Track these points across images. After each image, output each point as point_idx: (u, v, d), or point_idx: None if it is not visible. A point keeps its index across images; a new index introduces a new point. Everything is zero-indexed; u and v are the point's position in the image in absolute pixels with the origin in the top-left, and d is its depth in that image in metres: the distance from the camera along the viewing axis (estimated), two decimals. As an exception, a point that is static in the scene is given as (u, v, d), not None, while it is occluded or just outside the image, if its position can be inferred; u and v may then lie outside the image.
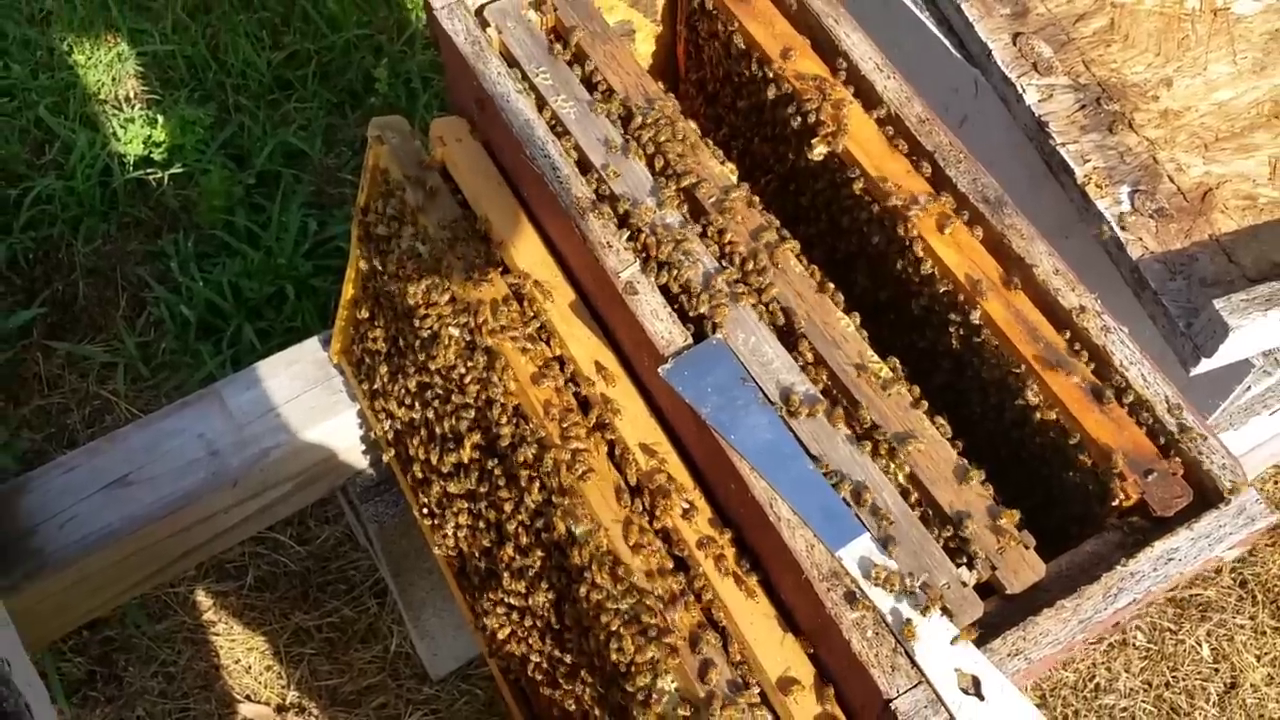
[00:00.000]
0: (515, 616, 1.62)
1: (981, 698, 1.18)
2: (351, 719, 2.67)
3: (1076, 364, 1.38)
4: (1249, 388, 1.76)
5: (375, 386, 1.85)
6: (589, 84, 1.61)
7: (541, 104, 1.57)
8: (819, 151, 1.57)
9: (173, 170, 3.24)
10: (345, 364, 1.98)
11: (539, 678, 1.62)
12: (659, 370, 1.37)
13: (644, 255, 1.46)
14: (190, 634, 2.73)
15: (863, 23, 1.71)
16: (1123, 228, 1.70)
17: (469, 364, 1.53)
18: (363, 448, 2.08)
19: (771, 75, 1.62)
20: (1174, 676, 2.77)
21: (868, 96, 1.59)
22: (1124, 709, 2.73)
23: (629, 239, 1.46)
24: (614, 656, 1.34)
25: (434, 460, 1.70)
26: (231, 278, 3.07)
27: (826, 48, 1.64)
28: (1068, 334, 1.41)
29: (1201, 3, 1.92)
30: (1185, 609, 2.83)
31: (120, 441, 1.95)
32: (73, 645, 2.70)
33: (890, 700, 1.18)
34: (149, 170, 3.25)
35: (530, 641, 1.61)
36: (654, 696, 1.32)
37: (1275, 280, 1.61)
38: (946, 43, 1.95)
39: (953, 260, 1.46)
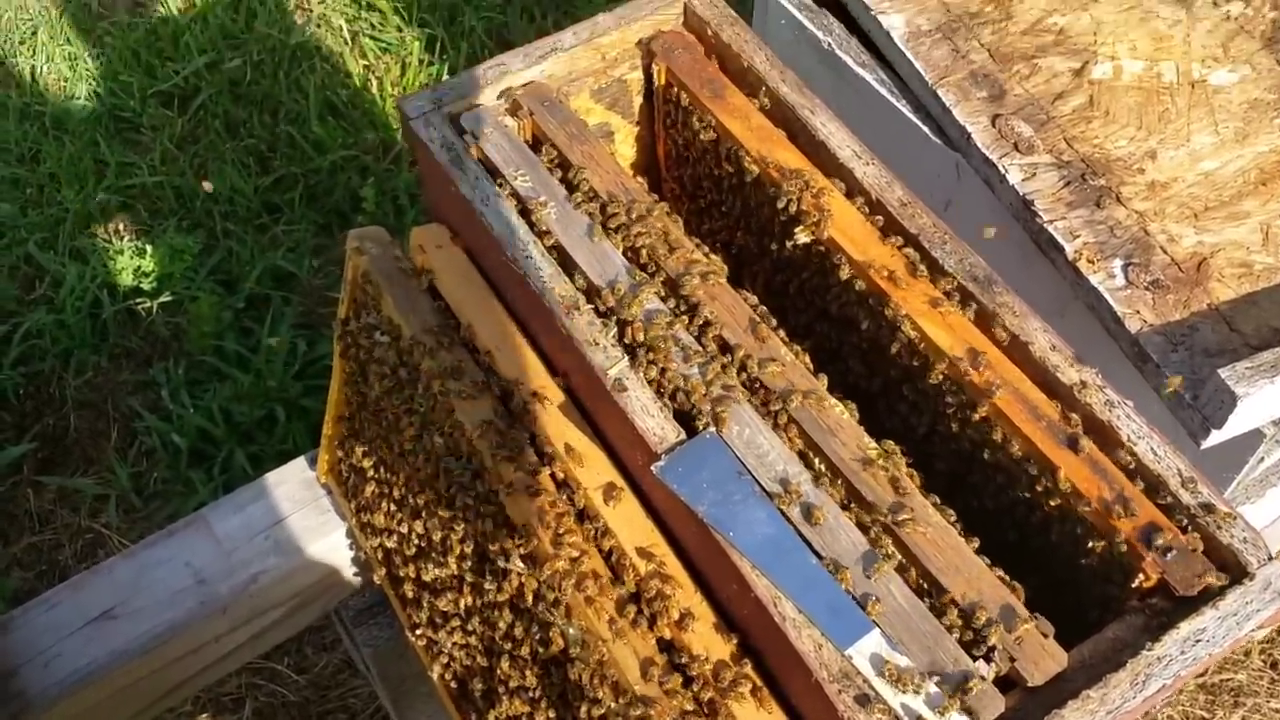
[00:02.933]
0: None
1: (1009, 802, 1.11)
2: None
3: (1082, 441, 1.33)
4: (1262, 459, 1.71)
5: (361, 503, 1.80)
6: (569, 185, 1.60)
7: (521, 207, 1.56)
8: (803, 240, 1.55)
9: (162, 299, 3.24)
10: (332, 482, 1.93)
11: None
12: (652, 468, 1.32)
13: (631, 351, 1.43)
14: (184, 770, 2.63)
15: (839, 113, 1.70)
16: (1119, 302, 1.67)
17: (454, 476, 1.49)
18: (354, 569, 2.02)
19: (751, 168, 1.61)
20: (1209, 767, 2.66)
21: (848, 184, 1.58)
22: (1160, 802, 2.62)
23: (615, 335, 1.43)
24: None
25: (423, 576, 1.64)
26: (222, 403, 3.04)
27: (803, 139, 1.63)
28: (1071, 411, 1.36)
29: (1179, 76, 1.92)
30: (1217, 695, 2.73)
31: (105, 574, 1.90)
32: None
33: (913, 808, 1.11)
34: (138, 300, 3.25)
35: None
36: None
37: (1277, 347, 1.57)
38: (925, 129, 1.95)
39: (945, 341, 1.42)
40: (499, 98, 1.67)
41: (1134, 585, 1.27)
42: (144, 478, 3.01)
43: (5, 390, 3.13)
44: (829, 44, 2.06)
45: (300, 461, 2.02)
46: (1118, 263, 1.71)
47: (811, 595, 1.23)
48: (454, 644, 1.63)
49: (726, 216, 1.74)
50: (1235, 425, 1.55)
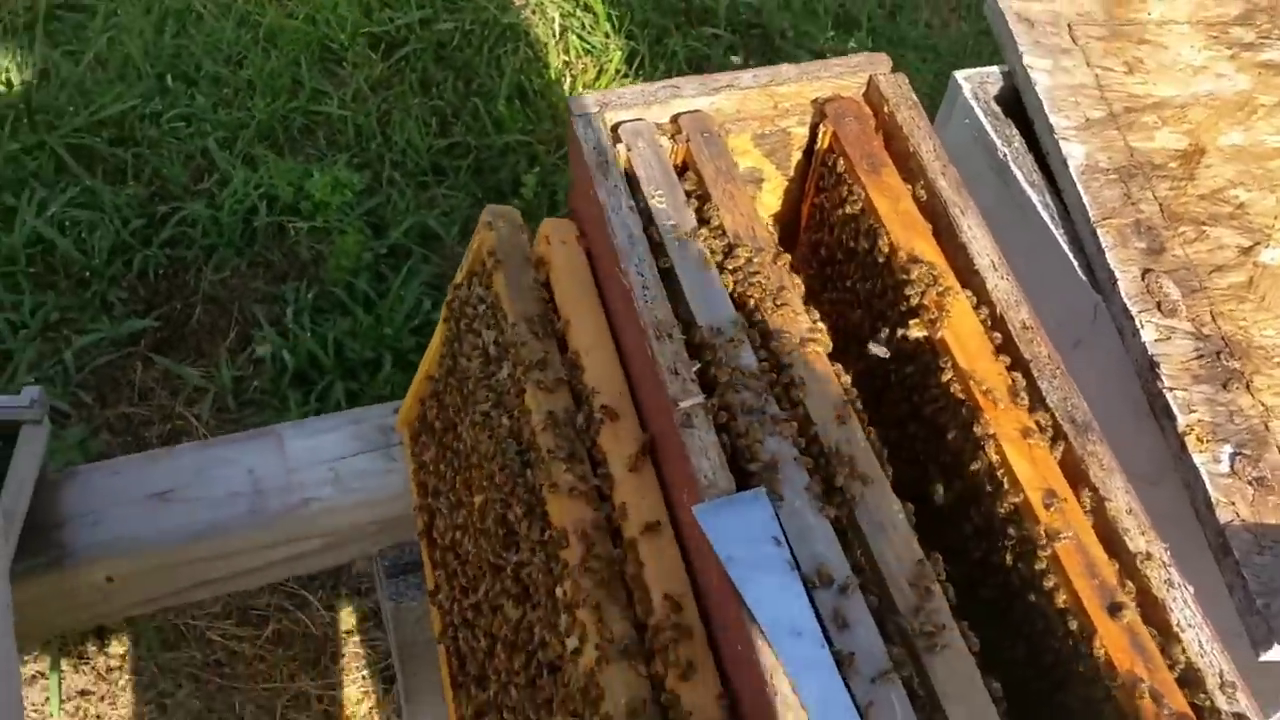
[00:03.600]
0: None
1: None
2: (325, 799, 2.59)
3: (1127, 612, 1.28)
4: (1324, 692, 1.62)
5: (423, 460, 1.84)
6: (702, 219, 1.61)
7: (648, 224, 1.57)
8: (915, 334, 1.53)
9: (313, 224, 3.36)
10: (406, 434, 1.98)
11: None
12: (693, 508, 1.32)
13: (709, 393, 1.43)
14: (195, 670, 2.70)
15: (995, 225, 1.68)
16: (1216, 488, 1.60)
17: (508, 458, 1.51)
18: (401, 525, 2.06)
19: (886, 250, 1.60)
20: None
21: (977, 293, 1.55)
22: None
23: (698, 372, 1.44)
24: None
25: (457, 547, 1.67)
26: (338, 335, 3.14)
27: (947, 236, 1.61)
28: (1128, 580, 1.31)
29: (1351, 281, 1.84)
30: None
31: (174, 457, 1.98)
32: (81, 654, 2.70)
33: None
34: (291, 219, 3.38)
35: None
36: None
37: (1372, 582, 1.49)
38: (1075, 263, 1.91)
39: (1026, 474, 1.39)
40: (665, 118, 1.70)
41: (1145, 777, 1.22)
42: (245, 383, 3.13)
43: (148, 266, 3.28)
44: (1005, 154, 2.03)
45: (385, 407, 2.07)
46: (1227, 449, 1.65)
47: (809, 680, 1.21)
48: (464, 620, 1.65)
49: (848, 292, 1.73)
50: (1299, 649, 1.47)
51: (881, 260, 1.61)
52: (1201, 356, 1.74)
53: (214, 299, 3.26)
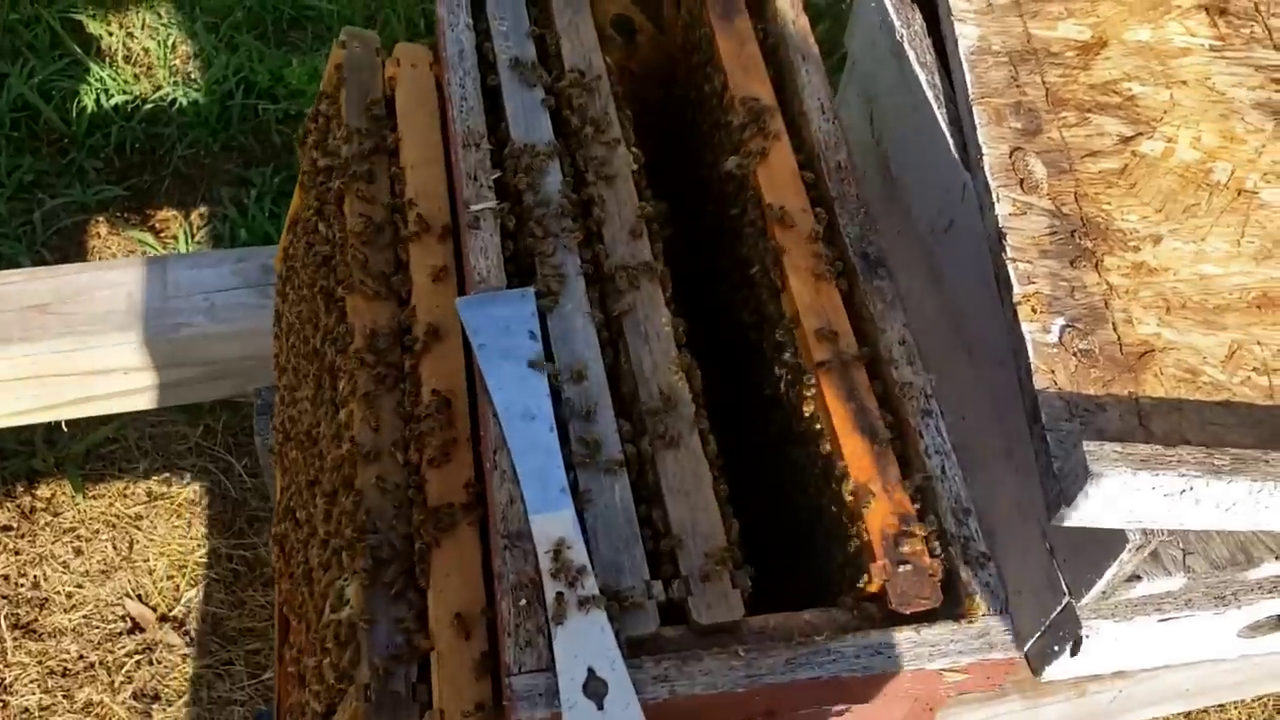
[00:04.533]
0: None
1: (601, 708, 1.07)
2: (224, 652, 2.65)
3: (882, 434, 1.27)
4: (1138, 577, 1.58)
5: (284, 294, 1.87)
6: (543, 49, 1.61)
7: (483, 44, 1.58)
8: (728, 167, 1.52)
9: (288, 109, 3.41)
10: (280, 270, 2.00)
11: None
12: (456, 300, 1.33)
13: (509, 204, 1.43)
14: (113, 519, 2.77)
15: (889, 110, 1.64)
16: (1039, 356, 1.57)
17: (315, 260, 1.52)
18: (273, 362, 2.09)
19: (721, 90, 1.59)
20: None
21: (802, 136, 1.54)
22: None
23: (494, 180, 1.44)
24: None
25: (288, 368, 1.69)
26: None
27: (786, 81, 1.60)
28: (885, 407, 1.30)
29: (1230, 179, 1.78)
30: None
31: (60, 274, 2.02)
32: (8, 492, 2.78)
33: (511, 674, 1.08)
34: (267, 104, 3.43)
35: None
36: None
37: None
38: (951, 143, 1.88)
39: (805, 301, 1.37)
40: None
41: (858, 585, 1.20)
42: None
43: (125, 140, 3.35)
44: (902, 35, 2.00)
45: (271, 249, 2.10)
46: (1059, 321, 1.61)
47: (530, 460, 1.21)
48: (286, 439, 1.67)
49: (686, 128, 1.72)
50: (1089, 511, 1.43)
51: (716, 101, 1.59)
52: (1055, 234, 1.70)
53: (184, 176, 3.33)
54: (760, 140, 1.51)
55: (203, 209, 3.28)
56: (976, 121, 1.83)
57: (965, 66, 1.90)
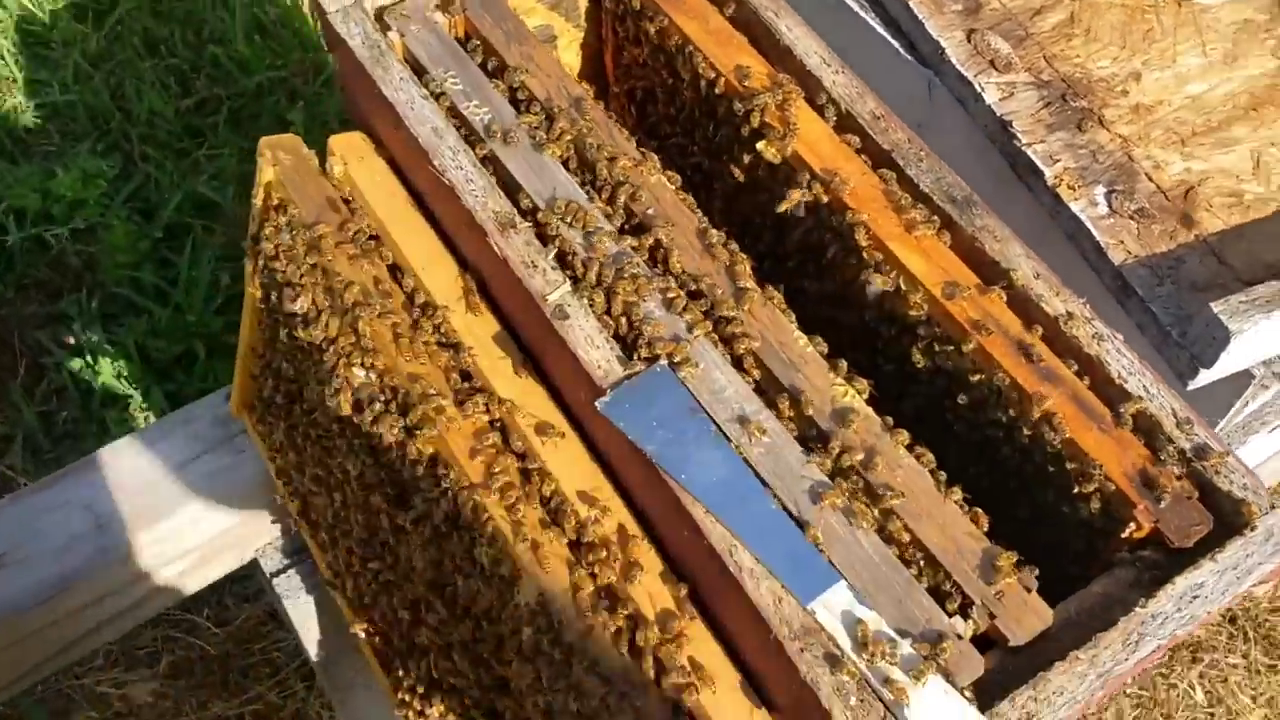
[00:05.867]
0: (443, 704, 1.40)
1: (991, 773, 0.99)
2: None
3: (1067, 376, 1.21)
4: (1247, 403, 1.61)
5: (275, 442, 1.65)
6: (510, 90, 1.44)
7: (452, 112, 1.39)
8: (767, 156, 1.40)
9: (74, 226, 3.02)
10: (247, 418, 1.77)
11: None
12: (596, 404, 1.18)
13: (574, 277, 1.28)
14: (94, 725, 2.46)
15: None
16: (1101, 231, 1.54)
17: (373, 406, 1.33)
18: (271, 516, 1.86)
19: (709, 73, 1.46)
20: (1166, 722, 2.59)
21: (814, 95, 1.43)
22: (1118, 759, 2.55)
23: (556, 258, 1.28)
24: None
25: (340, 521, 1.50)
26: (138, 338, 2.84)
27: (766, 43, 1.48)
28: (1055, 345, 1.24)
29: (1164, -6, 1.79)
30: (1176, 651, 2.67)
31: (-7, 515, 1.73)
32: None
33: (883, 782, 0.99)
34: (48, 227, 3.03)
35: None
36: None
37: (1271, 281, 1.46)
38: (896, 45, 1.81)
39: (920, 269, 1.29)
40: (429, -7, 1.51)
41: (1123, 536, 1.15)
42: (53, 417, 2.82)
43: (-101, 326, 2.91)
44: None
45: (214, 397, 1.86)
46: (1100, 190, 1.59)
47: (771, 544, 1.10)
48: (375, 595, 1.48)
49: (679, 134, 1.59)
50: (1226, 364, 1.43)
51: (707, 88, 1.46)
52: (1048, 104, 1.67)
53: (-14, 339, 2.92)
54: (778, 114, 1.40)
55: (27, 364, 2.89)
56: (919, 15, 1.77)
57: (880, -37, 1.83)
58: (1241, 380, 1.53)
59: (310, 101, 3.28)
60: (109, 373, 2.81)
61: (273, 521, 1.87)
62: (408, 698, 1.48)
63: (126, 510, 1.73)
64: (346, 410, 1.34)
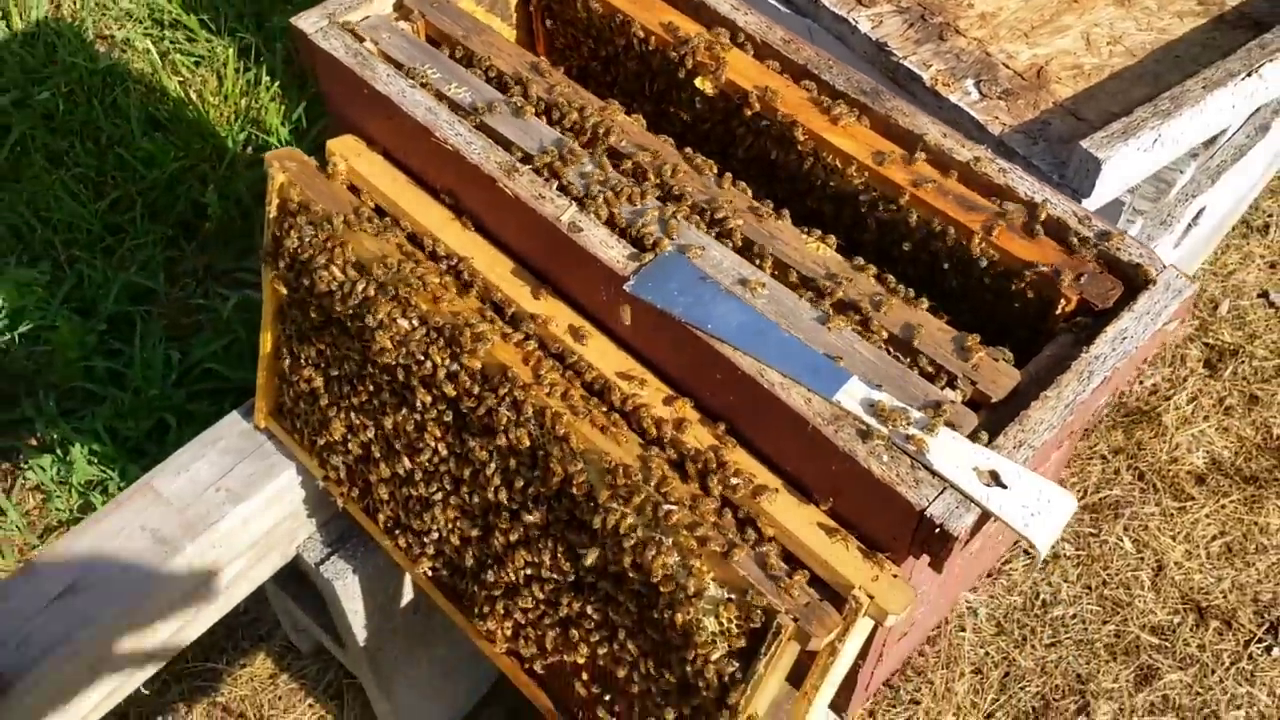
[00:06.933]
0: (527, 598, 1.60)
1: (1004, 486, 1.26)
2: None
3: (985, 204, 1.51)
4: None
5: (314, 426, 1.84)
6: (484, 75, 1.69)
7: (438, 96, 1.63)
8: (705, 88, 1.68)
9: (19, 331, 3.13)
10: (274, 425, 1.95)
11: (558, 651, 1.61)
12: (625, 286, 1.43)
13: (577, 199, 1.52)
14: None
15: None
16: (979, 113, 1.85)
17: (426, 349, 1.54)
18: (308, 508, 2.04)
19: (640, 33, 1.73)
20: (1108, 575, 2.91)
21: (734, 35, 1.72)
22: (1073, 615, 2.85)
23: (558, 188, 1.53)
24: (654, 567, 1.36)
25: (398, 470, 1.70)
26: (106, 422, 2.96)
27: (681, 4, 1.76)
28: (971, 184, 1.53)
29: (983, -74, 2.13)
30: (1100, 512, 3.00)
31: (58, 553, 1.87)
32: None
33: (924, 509, 1.25)
34: (-12, 339, 3.13)
35: (545, 618, 1.60)
36: (693, 595, 1.35)
37: (1121, 119, 1.78)
38: (774, 3, 2.11)
39: (851, 147, 1.58)
40: (390, 8, 1.75)
41: (1057, 313, 1.45)
42: (37, 513, 2.91)
43: None
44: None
45: (233, 416, 2.03)
46: (969, 82, 1.90)
47: (791, 361, 1.35)
48: (440, 526, 1.68)
49: (620, 96, 1.85)
50: (1102, 193, 1.75)
51: (641, 45, 1.73)
52: (911, 24, 1.99)
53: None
54: (707, 53, 1.68)
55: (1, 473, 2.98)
56: (790, -26, 2.06)
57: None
58: (1114, 211, 1.86)
59: (219, 183, 3.46)
60: (82, 459, 2.93)
61: (308, 516, 2.04)
62: (485, 610, 1.67)
63: (179, 524, 1.89)
64: (393, 358, 1.56)
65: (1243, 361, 3.27)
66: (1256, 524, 2.97)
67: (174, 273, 3.34)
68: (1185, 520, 2.99)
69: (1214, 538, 2.97)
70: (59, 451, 2.95)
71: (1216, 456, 3.10)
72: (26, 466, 2.96)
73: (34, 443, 3.02)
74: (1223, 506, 3.00)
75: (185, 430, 2.98)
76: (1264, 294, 3.44)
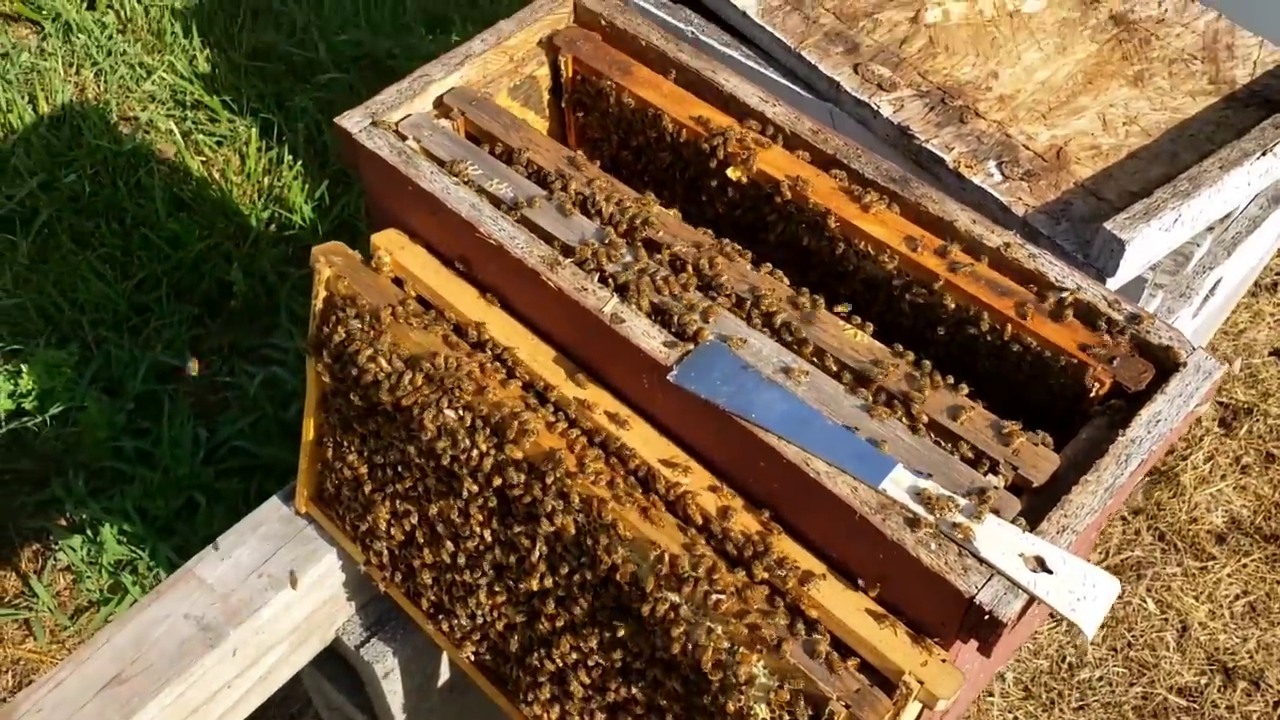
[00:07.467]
0: (574, 683, 1.62)
1: (1050, 571, 1.29)
2: None
3: (1017, 289, 1.55)
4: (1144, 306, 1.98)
5: (357, 513, 1.87)
6: (523, 169, 1.74)
7: (480, 192, 1.68)
8: (735, 176, 1.73)
9: (50, 413, 3.17)
10: (315, 511, 1.99)
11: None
12: (669, 377, 1.47)
13: (618, 290, 1.57)
14: None
15: None
16: (1002, 194, 1.91)
17: (472, 438, 1.58)
18: (346, 594, 2.06)
19: (673, 127, 1.79)
20: (1132, 636, 2.93)
21: (762, 127, 1.77)
22: (1100, 678, 2.86)
23: (599, 280, 1.57)
24: (704, 655, 1.39)
25: (442, 557, 1.73)
26: (135, 502, 3.00)
27: (711, 95, 1.82)
28: (1001, 269, 1.58)
29: (996, 10, 2.21)
30: (1122, 573, 3.02)
31: (102, 643, 1.89)
32: None
33: (973, 597, 1.27)
34: (22, 420, 3.17)
35: (593, 702, 1.63)
36: (744, 682, 1.37)
37: (1141, 200, 1.83)
38: (799, 89, 2.17)
39: (883, 234, 1.62)
40: (430, 105, 1.81)
41: (1090, 396, 1.48)
42: (67, 594, 2.93)
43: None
44: (692, 33, 2.27)
45: (273, 501, 2.06)
46: (991, 163, 1.96)
47: (836, 449, 1.39)
48: (484, 611, 1.71)
49: (652, 186, 1.90)
50: (1125, 272, 1.80)
51: (673, 138, 1.79)
52: (932, 108, 2.05)
53: (-25, 536, 3.03)
54: (738, 143, 1.73)
55: (32, 554, 3.01)
56: (812, 61, 2.14)
57: (768, 27, 2.20)
58: (1136, 288, 1.90)
59: (244, 261, 3.52)
60: (112, 539, 2.95)
61: (348, 600, 2.07)
62: (530, 696, 1.70)
63: (222, 611, 1.92)
64: (440, 447, 1.60)
65: (1257, 420, 3.30)
66: (1279, 582, 2.99)
67: (199, 351, 3.39)
68: (1207, 580, 3.01)
69: (1237, 597, 2.98)
70: (89, 532, 2.98)
71: (1235, 515, 3.12)
72: (57, 548, 2.99)
73: (64, 523, 3.05)
74: (1244, 565, 3.02)
75: (214, 508, 3.01)
76: (1275, 352, 3.48)
